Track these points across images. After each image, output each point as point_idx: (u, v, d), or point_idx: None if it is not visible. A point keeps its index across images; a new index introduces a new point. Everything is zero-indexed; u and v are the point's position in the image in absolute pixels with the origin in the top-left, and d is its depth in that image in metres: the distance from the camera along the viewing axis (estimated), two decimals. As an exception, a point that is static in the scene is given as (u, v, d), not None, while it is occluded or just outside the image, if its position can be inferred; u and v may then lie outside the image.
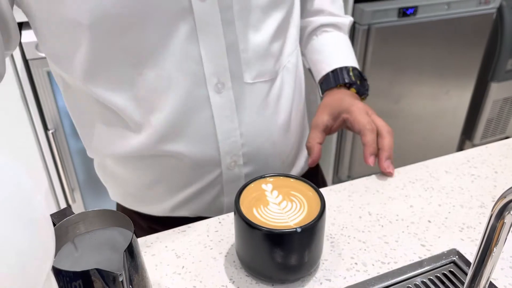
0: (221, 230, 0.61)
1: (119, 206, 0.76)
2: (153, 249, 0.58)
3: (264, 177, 0.55)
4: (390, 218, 0.62)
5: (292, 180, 0.55)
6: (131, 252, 0.43)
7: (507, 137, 2.30)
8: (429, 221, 0.61)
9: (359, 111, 0.65)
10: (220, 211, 0.68)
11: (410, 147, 1.99)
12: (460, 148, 2.28)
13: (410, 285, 0.52)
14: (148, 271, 0.49)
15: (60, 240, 0.44)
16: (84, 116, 0.63)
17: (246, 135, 0.61)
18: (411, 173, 0.71)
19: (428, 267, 0.54)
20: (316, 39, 0.74)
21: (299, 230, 0.47)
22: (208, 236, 0.60)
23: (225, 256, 0.56)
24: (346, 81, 0.71)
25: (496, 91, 2.09)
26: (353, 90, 0.72)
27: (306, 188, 0.54)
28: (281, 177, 0.55)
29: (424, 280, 0.53)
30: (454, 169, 0.72)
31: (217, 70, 0.56)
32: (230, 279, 0.53)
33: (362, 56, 1.68)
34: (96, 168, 0.74)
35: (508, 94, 2.12)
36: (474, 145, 2.25)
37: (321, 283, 0.52)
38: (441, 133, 2.07)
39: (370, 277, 0.53)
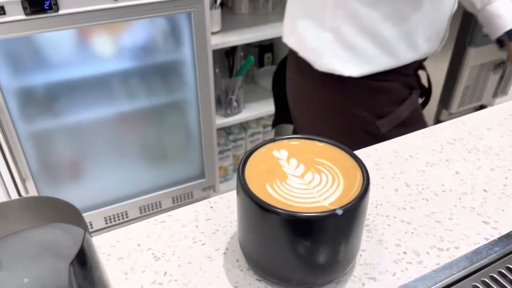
0: (214, 218, 0.44)
1: None
2: (120, 250, 0.41)
3: (275, 140, 0.40)
4: (434, 190, 0.47)
5: (319, 143, 0.39)
6: (83, 261, 0.27)
7: (481, 105, 2.24)
8: (485, 191, 0.47)
9: None
10: None
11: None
12: (437, 118, 2.20)
13: (485, 279, 0.38)
14: (115, 283, 0.33)
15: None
16: None
17: None
18: (446, 133, 0.57)
19: (502, 251, 0.40)
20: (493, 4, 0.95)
21: (340, 212, 0.32)
22: (197, 226, 0.43)
23: (224, 253, 0.40)
24: None
25: (474, 56, 2.04)
26: None
27: (335, 152, 0.38)
28: (304, 140, 0.40)
29: (501, 270, 0.39)
30: (497, 125, 0.58)
31: None
32: (235, 287, 0.37)
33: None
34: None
35: (485, 59, 2.08)
36: (450, 114, 2.18)
37: (363, 284, 0.37)
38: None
39: (428, 270, 0.38)
